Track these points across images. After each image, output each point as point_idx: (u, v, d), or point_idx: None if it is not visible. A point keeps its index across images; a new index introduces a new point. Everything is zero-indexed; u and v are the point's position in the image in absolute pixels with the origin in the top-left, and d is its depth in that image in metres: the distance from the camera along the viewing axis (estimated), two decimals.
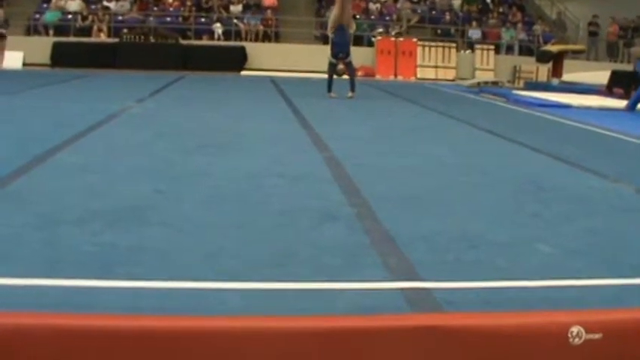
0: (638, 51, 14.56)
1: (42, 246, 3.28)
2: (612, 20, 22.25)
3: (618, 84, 15.95)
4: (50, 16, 20.45)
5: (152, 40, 19.69)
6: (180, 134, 7.17)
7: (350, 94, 11.92)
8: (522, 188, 5.15)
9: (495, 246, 3.61)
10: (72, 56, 18.77)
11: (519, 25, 22.45)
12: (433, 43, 21.23)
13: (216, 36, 20.81)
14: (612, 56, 22.21)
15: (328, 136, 7.33)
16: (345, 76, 12.09)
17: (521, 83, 19.65)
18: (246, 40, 20.76)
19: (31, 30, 20.37)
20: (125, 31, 19.93)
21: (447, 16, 22.39)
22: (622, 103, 13.34)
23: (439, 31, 22.09)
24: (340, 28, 12.08)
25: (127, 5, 21.45)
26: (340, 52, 12.01)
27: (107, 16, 20.65)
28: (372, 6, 22.82)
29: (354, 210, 4.21)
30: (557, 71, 17.81)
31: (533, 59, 19.66)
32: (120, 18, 20.88)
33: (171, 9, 21.74)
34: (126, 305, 2.61)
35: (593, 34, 22.27)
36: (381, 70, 20.44)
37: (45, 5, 21.18)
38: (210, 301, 2.72)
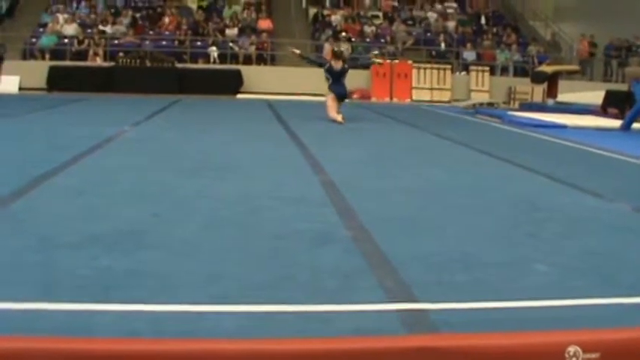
0: (632, 71, 14.61)
1: (39, 269, 3.28)
2: (582, 37, 22.30)
3: (613, 104, 16.05)
4: (46, 41, 20.51)
5: (148, 63, 19.72)
6: (176, 158, 7.18)
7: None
8: (518, 209, 5.16)
9: (492, 266, 3.61)
10: (68, 80, 18.81)
11: (514, 47, 22.54)
12: (428, 65, 21.28)
13: (211, 59, 20.87)
14: (583, 73, 22.25)
15: (324, 159, 7.35)
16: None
17: (517, 104, 19.67)
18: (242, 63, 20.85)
19: (27, 54, 20.44)
20: (121, 54, 19.98)
21: (442, 38, 22.50)
22: (617, 123, 13.41)
23: (434, 53, 22.19)
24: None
25: (122, 29, 21.52)
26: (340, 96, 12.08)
27: (103, 40, 20.70)
28: (368, 29, 22.94)
29: (350, 232, 4.22)
30: (552, 92, 17.87)
31: (528, 80, 19.68)
32: (116, 42, 20.94)
33: (166, 33, 21.82)
34: (123, 329, 2.60)
35: (589, 55, 22.38)
36: (377, 92, 20.50)
37: (41, 30, 21.25)
38: (207, 324, 2.71)
